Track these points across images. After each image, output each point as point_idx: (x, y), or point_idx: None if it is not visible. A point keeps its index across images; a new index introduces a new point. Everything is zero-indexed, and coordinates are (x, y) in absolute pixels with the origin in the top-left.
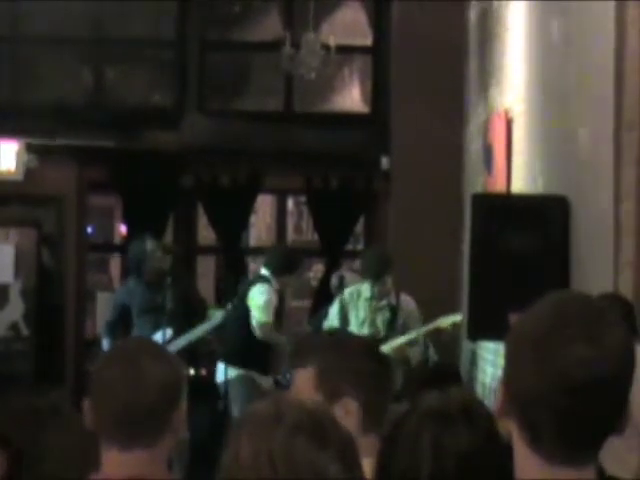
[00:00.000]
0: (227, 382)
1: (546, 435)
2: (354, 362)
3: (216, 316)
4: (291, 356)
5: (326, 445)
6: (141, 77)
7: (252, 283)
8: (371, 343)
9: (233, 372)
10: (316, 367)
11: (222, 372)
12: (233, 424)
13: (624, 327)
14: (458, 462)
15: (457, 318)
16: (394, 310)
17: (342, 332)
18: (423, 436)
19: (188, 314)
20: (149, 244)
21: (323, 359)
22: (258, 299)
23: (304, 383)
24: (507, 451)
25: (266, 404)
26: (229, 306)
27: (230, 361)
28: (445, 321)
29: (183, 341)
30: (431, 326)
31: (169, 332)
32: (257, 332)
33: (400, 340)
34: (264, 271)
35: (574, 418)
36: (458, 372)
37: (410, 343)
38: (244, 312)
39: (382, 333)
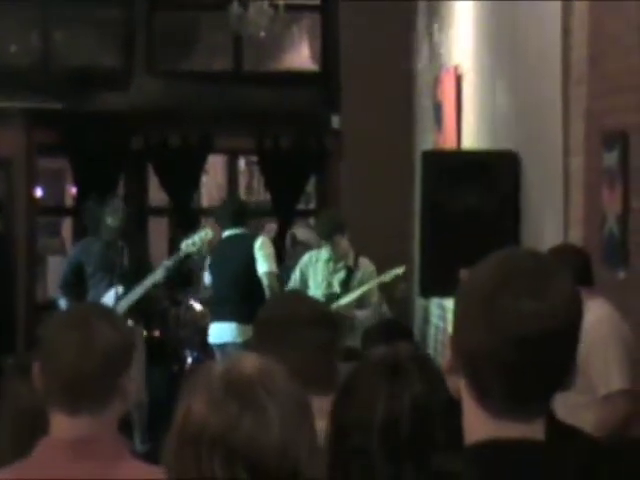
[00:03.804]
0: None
1: (495, 390)
2: None
3: (158, 271)
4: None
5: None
6: (89, 38)
7: (252, 237)
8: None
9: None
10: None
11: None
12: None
13: (572, 280)
14: (411, 408)
15: (398, 271)
16: (350, 270)
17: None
18: (377, 384)
19: (140, 274)
20: (112, 202)
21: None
22: (267, 249)
23: None
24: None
25: (220, 362)
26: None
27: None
28: (387, 275)
29: (132, 297)
30: (373, 282)
31: (121, 290)
32: (265, 280)
33: (345, 299)
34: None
35: (523, 372)
36: (410, 329)
37: (362, 304)
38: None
39: (338, 292)
